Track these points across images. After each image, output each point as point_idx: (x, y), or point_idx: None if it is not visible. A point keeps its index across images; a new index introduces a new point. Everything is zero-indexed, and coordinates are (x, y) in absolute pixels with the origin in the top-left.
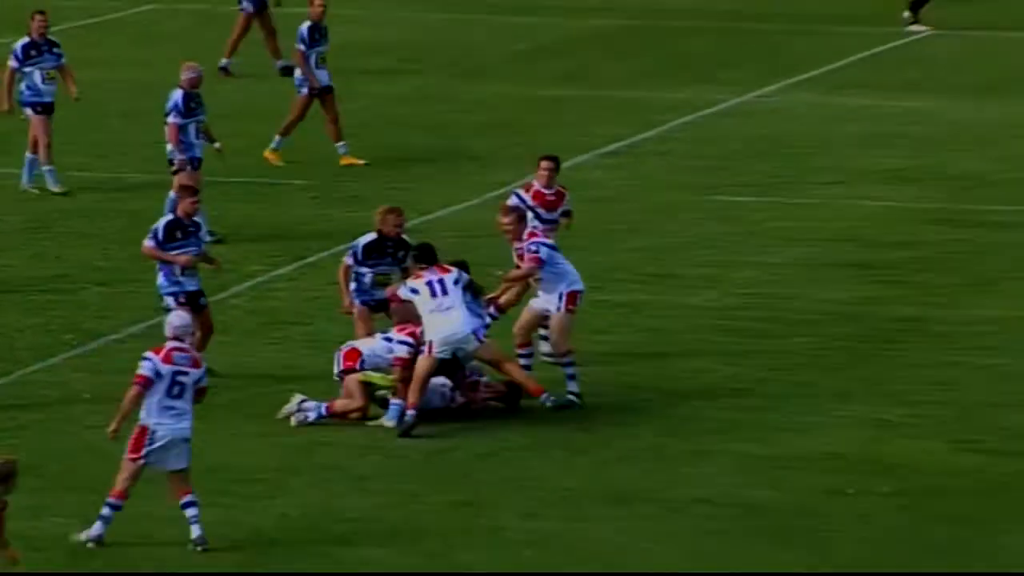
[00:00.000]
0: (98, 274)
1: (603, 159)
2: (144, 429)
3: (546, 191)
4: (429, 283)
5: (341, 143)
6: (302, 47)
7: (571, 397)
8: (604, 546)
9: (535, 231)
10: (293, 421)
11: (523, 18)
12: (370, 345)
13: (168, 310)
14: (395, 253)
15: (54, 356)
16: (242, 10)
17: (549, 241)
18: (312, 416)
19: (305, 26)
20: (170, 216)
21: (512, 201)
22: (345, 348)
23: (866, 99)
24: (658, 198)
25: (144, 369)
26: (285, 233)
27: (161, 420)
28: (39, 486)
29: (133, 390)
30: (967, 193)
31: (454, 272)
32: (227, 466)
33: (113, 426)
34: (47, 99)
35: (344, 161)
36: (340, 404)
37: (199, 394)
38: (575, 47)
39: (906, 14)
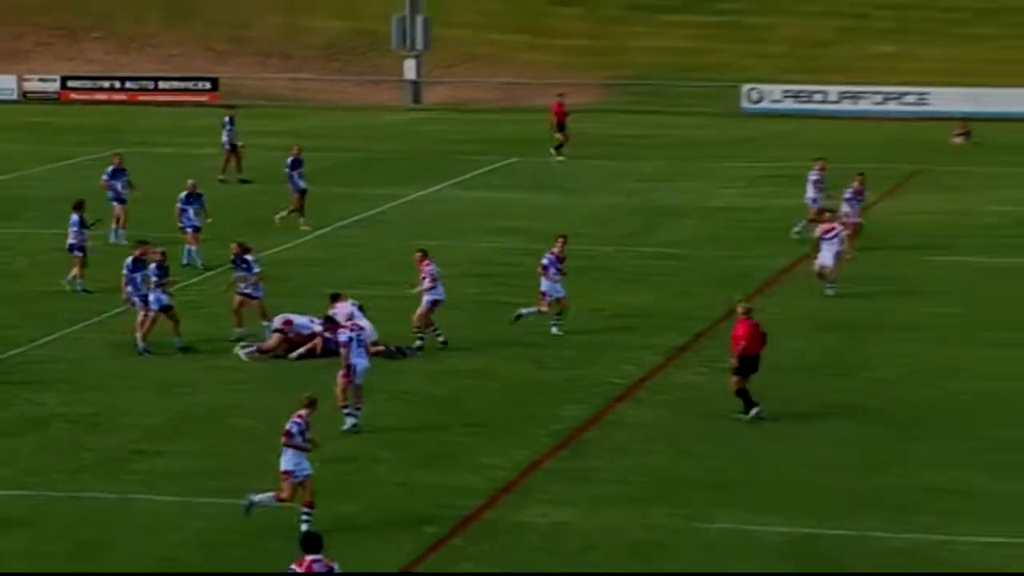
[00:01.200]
0: (111, 283)
1: (355, 224)
2: (351, 366)
3: (559, 253)
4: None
5: (303, 218)
6: (287, 170)
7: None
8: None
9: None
10: (243, 354)
11: (320, 153)
12: (299, 320)
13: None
14: (242, 265)
15: (79, 323)
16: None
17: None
18: (251, 350)
19: (289, 159)
20: (155, 263)
21: (545, 260)
22: (281, 317)
23: (487, 193)
24: (382, 245)
25: (343, 337)
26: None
27: (359, 359)
28: (73, 397)
29: (344, 350)
30: (546, 240)
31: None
32: (167, 378)
33: (343, 371)
34: (124, 198)
35: (304, 227)
36: (266, 346)
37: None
38: (340, 167)
39: (557, 155)
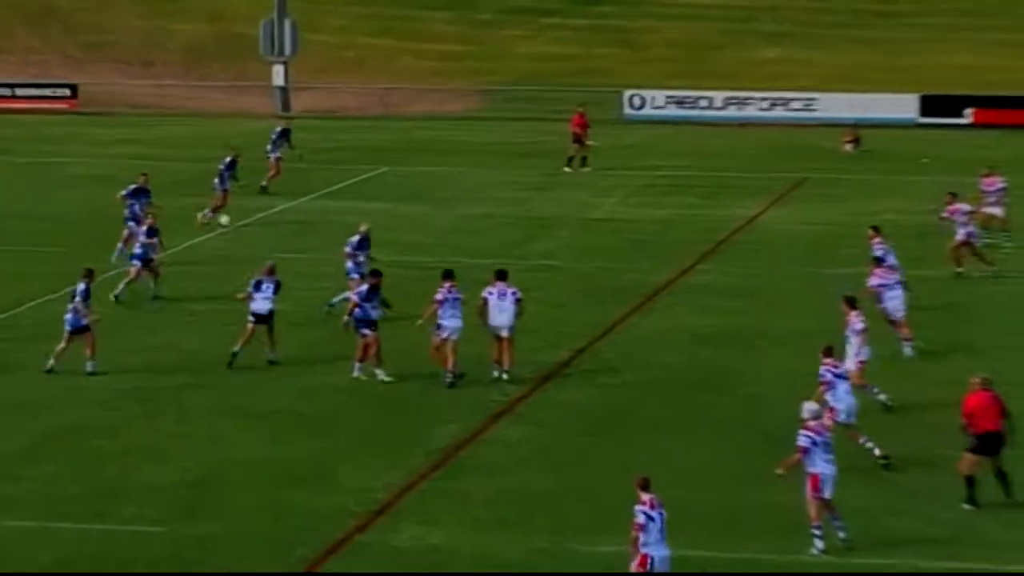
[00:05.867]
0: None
1: (219, 237)
2: (818, 476)
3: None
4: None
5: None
6: (221, 169)
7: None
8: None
9: None
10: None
11: (175, 163)
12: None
13: None
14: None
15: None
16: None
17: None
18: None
19: (225, 160)
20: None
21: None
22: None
23: (355, 203)
24: (252, 254)
25: (802, 441)
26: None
27: (825, 466)
28: None
29: (801, 455)
30: (409, 251)
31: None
32: (25, 398)
33: (810, 485)
34: (140, 219)
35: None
36: None
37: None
38: (206, 178)
39: (567, 168)
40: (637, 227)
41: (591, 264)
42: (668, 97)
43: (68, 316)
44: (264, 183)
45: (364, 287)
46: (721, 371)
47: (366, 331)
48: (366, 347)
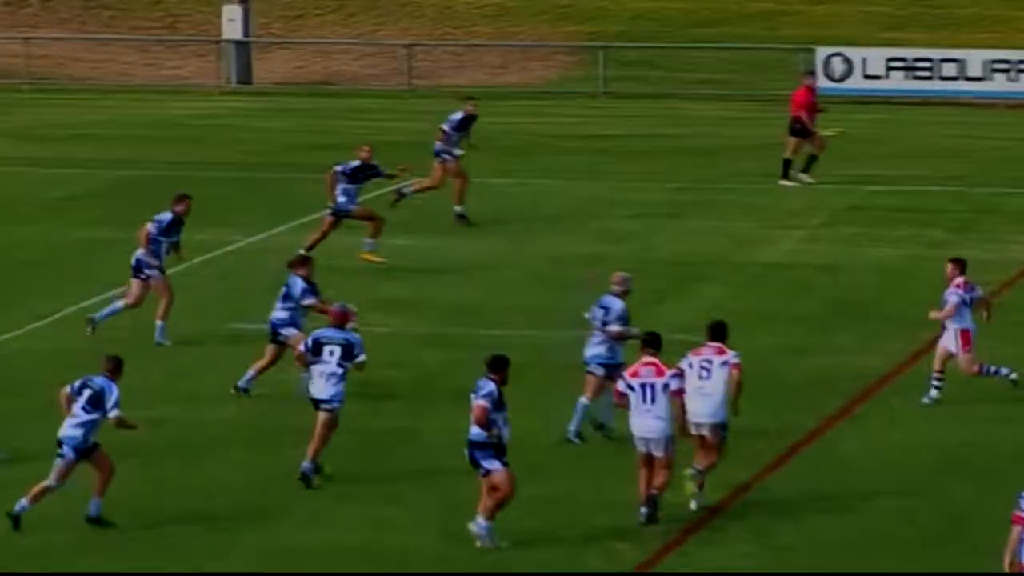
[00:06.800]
0: None
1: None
2: None
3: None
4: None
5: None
6: (338, 169)
7: None
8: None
9: None
10: None
11: (57, 170)
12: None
13: None
14: None
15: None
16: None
17: None
18: None
19: (350, 166)
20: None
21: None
22: None
23: (364, 238)
24: (182, 327)
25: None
26: None
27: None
28: None
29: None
30: (457, 319)
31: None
32: None
33: None
34: (164, 267)
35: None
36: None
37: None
38: (105, 193)
39: (802, 178)
40: (840, 278)
41: (762, 339)
42: (891, 60)
43: (74, 432)
44: (458, 207)
45: (490, 386)
46: (982, 518)
47: (489, 465)
48: (492, 489)
